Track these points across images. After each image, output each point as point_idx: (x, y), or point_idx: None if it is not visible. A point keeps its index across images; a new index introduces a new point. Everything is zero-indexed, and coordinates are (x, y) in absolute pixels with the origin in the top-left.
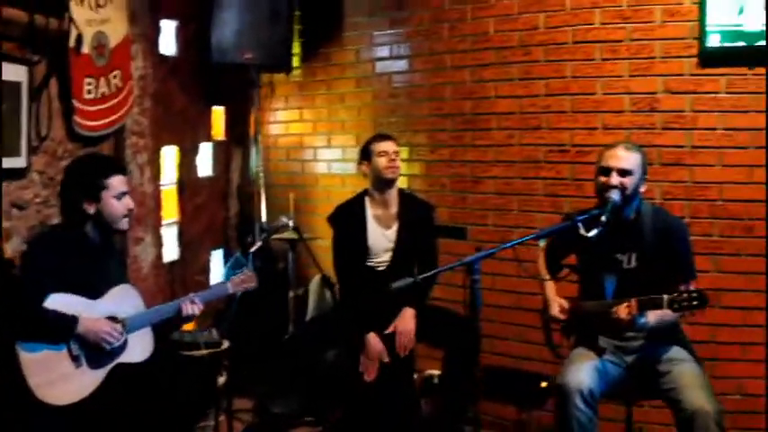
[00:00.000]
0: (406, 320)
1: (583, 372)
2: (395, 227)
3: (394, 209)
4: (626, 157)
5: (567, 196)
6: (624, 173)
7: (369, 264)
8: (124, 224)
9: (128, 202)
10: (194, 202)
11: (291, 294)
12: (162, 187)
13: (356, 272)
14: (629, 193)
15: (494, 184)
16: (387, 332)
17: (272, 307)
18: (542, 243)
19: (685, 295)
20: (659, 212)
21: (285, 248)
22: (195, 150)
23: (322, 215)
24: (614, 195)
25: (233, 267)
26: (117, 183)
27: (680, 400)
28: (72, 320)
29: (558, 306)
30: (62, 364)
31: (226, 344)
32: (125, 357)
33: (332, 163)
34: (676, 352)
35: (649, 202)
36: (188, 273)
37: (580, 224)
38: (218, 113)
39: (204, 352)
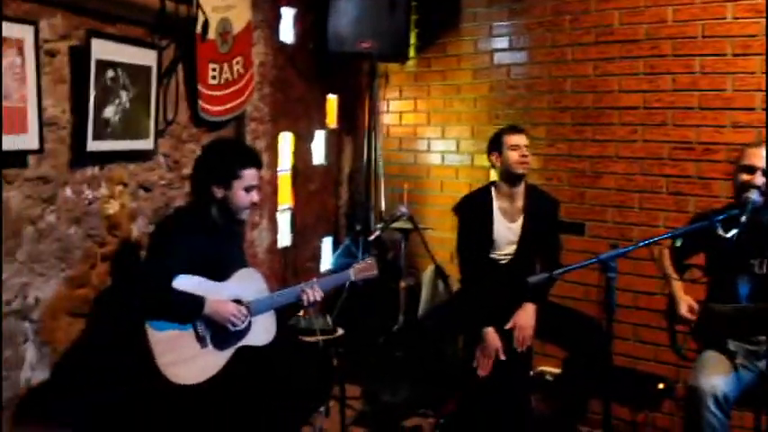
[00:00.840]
0: (527, 315)
1: (717, 376)
2: (520, 220)
3: (520, 202)
4: None
5: (691, 195)
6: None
7: (492, 256)
8: (245, 215)
9: (254, 195)
10: (307, 188)
11: (403, 284)
12: (278, 173)
13: (480, 263)
14: None
15: (614, 180)
16: (506, 327)
17: (381, 297)
18: (678, 242)
19: None
20: None
21: (395, 238)
22: (310, 138)
23: (434, 206)
24: (754, 195)
25: (343, 255)
26: (250, 175)
27: None
28: (200, 301)
29: (686, 306)
30: (188, 344)
31: (340, 331)
32: (249, 340)
33: (446, 154)
34: None
35: None
36: (299, 259)
37: (718, 224)
38: (332, 102)
39: (320, 338)
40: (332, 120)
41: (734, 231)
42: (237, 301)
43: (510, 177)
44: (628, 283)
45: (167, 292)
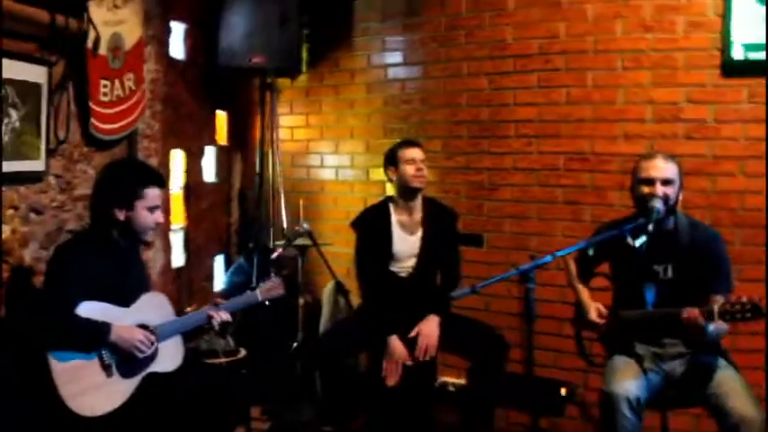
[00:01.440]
0: (431, 325)
1: (628, 380)
2: (419, 233)
3: (418, 215)
4: (667, 168)
5: (587, 204)
6: (667, 182)
7: (392, 269)
8: (150, 236)
9: (158, 215)
10: (199, 206)
11: (301, 301)
12: (170, 192)
13: (380, 277)
14: (671, 203)
15: (511, 192)
16: (411, 335)
17: (279, 314)
18: (591, 251)
19: (738, 306)
20: (696, 224)
21: (290, 255)
22: (201, 155)
23: (328, 221)
24: (658, 204)
25: (236, 273)
26: (152, 195)
27: (724, 407)
28: (105, 328)
29: (595, 311)
30: (94, 374)
31: (243, 352)
32: (156, 366)
33: (339, 169)
34: (714, 359)
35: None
36: (194, 279)
37: (628, 233)
38: (222, 118)
39: (223, 360)
40: (222, 136)
41: (642, 239)
42: (144, 327)
43: (407, 191)
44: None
45: (70, 320)
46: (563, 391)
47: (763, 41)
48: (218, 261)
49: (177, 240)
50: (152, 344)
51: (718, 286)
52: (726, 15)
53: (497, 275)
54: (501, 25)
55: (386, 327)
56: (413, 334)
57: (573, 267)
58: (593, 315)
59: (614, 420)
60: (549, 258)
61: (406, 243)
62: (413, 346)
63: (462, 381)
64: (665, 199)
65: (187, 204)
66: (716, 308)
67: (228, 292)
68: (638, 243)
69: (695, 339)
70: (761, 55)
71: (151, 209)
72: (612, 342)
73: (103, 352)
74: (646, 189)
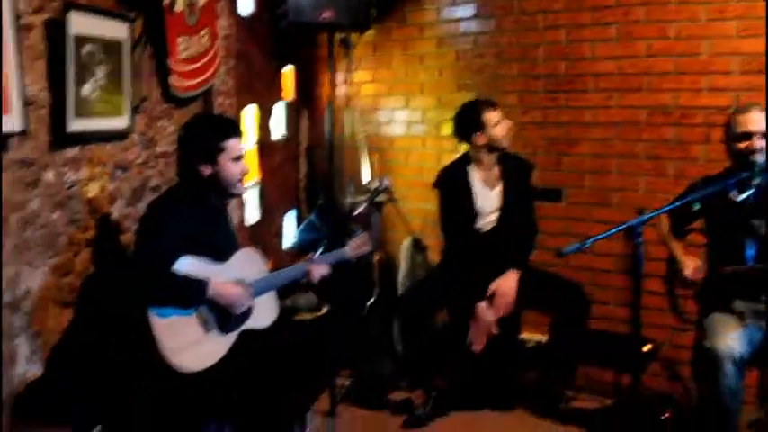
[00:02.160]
0: (509, 282)
1: (731, 337)
2: (499, 187)
3: (497, 169)
4: (764, 120)
5: (670, 159)
6: (765, 135)
7: (476, 226)
8: (240, 188)
9: (243, 165)
10: (271, 163)
11: (376, 258)
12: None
13: (465, 235)
14: None
15: (590, 147)
16: (488, 293)
17: (354, 271)
18: (696, 206)
19: None
20: None
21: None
22: (270, 111)
23: (400, 177)
24: (761, 158)
25: (307, 230)
26: (234, 145)
27: None
28: (203, 284)
29: (693, 267)
30: (192, 329)
31: (325, 308)
32: (252, 323)
33: (411, 124)
34: None
35: None
36: (266, 235)
37: (733, 188)
38: (289, 74)
39: (308, 316)
40: (288, 93)
41: (747, 193)
42: (240, 281)
43: (493, 150)
44: (609, 248)
45: (169, 278)
46: (646, 348)
47: None
48: (289, 218)
49: (253, 196)
50: (250, 299)
51: None
52: None
53: (606, 232)
54: None
55: (473, 290)
56: (490, 291)
57: (666, 223)
58: (689, 272)
59: (717, 377)
60: (654, 213)
61: (487, 199)
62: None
63: (540, 337)
64: (763, 151)
65: (261, 160)
66: None
67: (300, 249)
68: (742, 197)
69: None
70: None
71: (235, 159)
72: (710, 299)
73: (202, 308)
74: (744, 143)
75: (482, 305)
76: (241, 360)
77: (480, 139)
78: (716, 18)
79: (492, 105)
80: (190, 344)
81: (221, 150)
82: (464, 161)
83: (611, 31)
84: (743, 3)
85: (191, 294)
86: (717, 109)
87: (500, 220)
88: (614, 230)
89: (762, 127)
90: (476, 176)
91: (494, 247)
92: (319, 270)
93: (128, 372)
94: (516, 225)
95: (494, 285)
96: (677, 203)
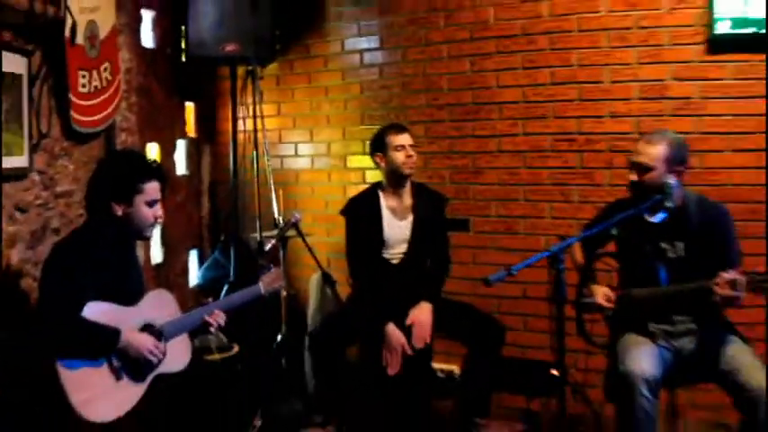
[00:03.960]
0: (424, 312)
1: (645, 359)
2: (410, 218)
3: (408, 200)
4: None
5: (575, 185)
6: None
7: (383, 256)
8: (150, 232)
9: (158, 210)
10: (174, 201)
11: (284, 294)
12: None
13: (372, 264)
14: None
15: (497, 175)
16: (407, 323)
17: (262, 308)
18: (614, 231)
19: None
20: (703, 199)
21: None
22: (173, 148)
23: (306, 211)
24: (672, 180)
25: (211, 268)
26: (152, 189)
27: (739, 381)
28: (114, 335)
29: (603, 295)
30: (103, 379)
31: (236, 347)
32: (165, 367)
33: (315, 158)
34: (724, 334)
35: (693, 190)
36: (171, 274)
37: (646, 211)
38: (190, 109)
39: (218, 356)
40: (191, 128)
41: (661, 215)
42: (150, 326)
43: (396, 177)
44: (517, 275)
45: (78, 328)
46: (554, 372)
47: (749, 16)
48: (193, 256)
49: (155, 236)
50: (162, 349)
51: (731, 261)
52: None
53: (531, 258)
54: (482, 6)
55: (381, 315)
56: (408, 322)
57: (578, 249)
58: (600, 299)
59: (632, 400)
60: (575, 239)
61: (396, 229)
62: (408, 334)
63: (452, 367)
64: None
65: (163, 199)
66: (744, 279)
67: (205, 287)
68: (657, 219)
69: (727, 308)
70: (747, 30)
71: (150, 203)
72: (622, 321)
73: (112, 357)
74: None
75: (391, 326)
76: (155, 406)
77: (380, 161)
78: (616, 46)
79: (400, 129)
80: (101, 394)
81: (139, 192)
82: (375, 190)
83: (516, 59)
84: (642, 31)
85: (101, 345)
86: (619, 135)
87: (409, 251)
88: (537, 257)
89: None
90: (385, 205)
91: (403, 279)
92: (217, 319)
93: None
94: (429, 257)
95: (410, 318)
96: (598, 228)
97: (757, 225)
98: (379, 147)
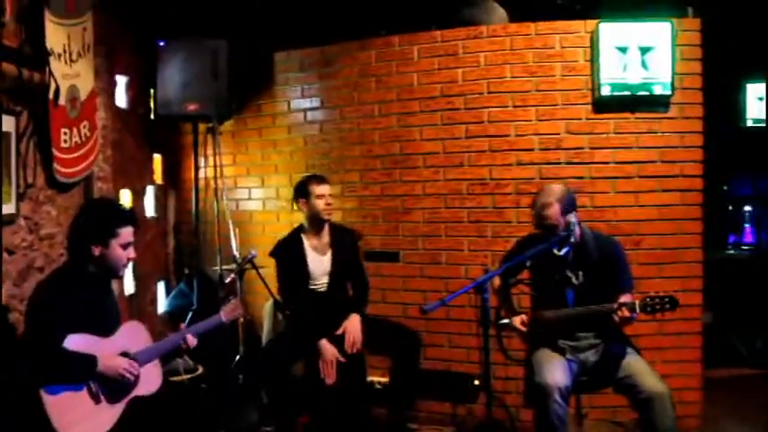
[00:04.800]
0: (354, 321)
1: (558, 371)
2: (329, 253)
3: (326, 238)
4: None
5: (488, 222)
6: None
7: (311, 287)
8: (123, 272)
9: (131, 252)
10: (144, 239)
11: (241, 320)
12: None
13: (301, 294)
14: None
15: (422, 214)
16: (337, 333)
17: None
18: (528, 263)
19: (657, 300)
20: (598, 234)
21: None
22: (143, 193)
23: (258, 247)
24: (575, 219)
25: (177, 297)
26: (126, 233)
27: (636, 385)
28: (92, 360)
29: (519, 320)
30: (83, 403)
31: (200, 368)
32: (139, 390)
33: (266, 201)
34: (622, 347)
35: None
36: (142, 304)
37: (555, 245)
38: (158, 160)
39: (185, 377)
40: (158, 176)
41: (566, 249)
42: (126, 354)
43: (316, 221)
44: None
45: (59, 356)
46: (476, 382)
47: (626, 81)
48: (161, 287)
49: (128, 270)
50: (136, 370)
51: (624, 285)
52: (594, 60)
53: (462, 289)
54: (407, 72)
55: (313, 333)
56: (339, 332)
57: (497, 278)
58: (517, 324)
59: (547, 407)
60: (498, 271)
61: (319, 263)
62: (340, 347)
63: (386, 379)
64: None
65: (135, 237)
66: (637, 303)
67: (172, 314)
68: (563, 252)
69: (621, 327)
70: (624, 93)
71: (124, 246)
72: (536, 338)
73: (91, 381)
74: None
75: (323, 341)
76: (131, 426)
77: (303, 206)
78: (519, 105)
79: (320, 180)
80: (82, 417)
81: (115, 235)
82: (298, 232)
83: (436, 117)
84: (540, 93)
85: (81, 370)
86: (524, 180)
87: (331, 281)
88: (467, 288)
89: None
90: (308, 244)
91: (329, 303)
92: (188, 342)
93: None
94: (349, 283)
95: (342, 327)
96: (516, 261)
97: (638, 253)
98: (302, 194)
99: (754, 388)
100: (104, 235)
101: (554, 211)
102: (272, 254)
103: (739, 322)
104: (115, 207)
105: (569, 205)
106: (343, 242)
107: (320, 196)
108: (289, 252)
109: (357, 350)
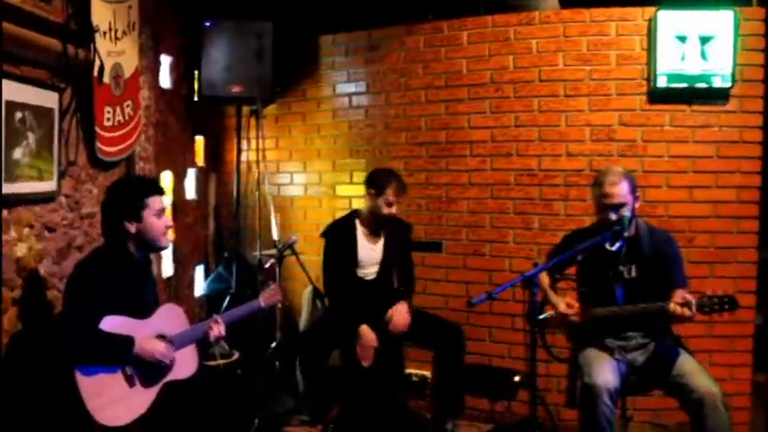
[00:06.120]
0: (401, 308)
1: (608, 371)
2: (381, 243)
3: (381, 228)
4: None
5: (535, 214)
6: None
7: (358, 275)
8: (165, 241)
9: (166, 219)
10: (184, 222)
11: (279, 305)
12: None
13: (346, 281)
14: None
15: (467, 204)
16: (388, 315)
17: (259, 318)
18: (579, 257)
19: (716, 299)
20: (652, 228)
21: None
22: (184, 175)
23: (299, 233)
24: (627, 212)
25: (215, 281)
26: (156, 202)
27: (687, 385)
28: (129, 342)
29: (564, 303)
30: (117, 385)
31: (236, 354)
32: (174, 374)
33: (308, 186)
34: (674, 347)
35: (643, 219)
36: (180, 287)
37: (608, 240)
38: (200, 142)
39: (221, 362)
40: (200, 159)
41: (618, 244)
42: (162, 336)
43: (375, 216)
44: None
45: (96, 337)
46: (516, 378)
47: (683, 72)
48: (199, 270)
49: (167, 253)
50: (173, 353)
51: (679, 281)
52: (650, 49)
53: (509, 282)
54: (456, 58)
55: (355, 320)
56: (389, 315)
57: (544, 273)
58: (562, 307)
59: (596, 409)
60: (549, 264)
61: (370, 252)
62: (380, 337)
63: (424, 372)
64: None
65: (174, 220)
66: (694, 302)
67: (210, 298)
68: (615, 247)
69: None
70: (681, 84)
71: (158, 214)
72: (583, 337)
73: (127, 364)
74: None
75: (363, 326)
76: (164, 410)
77: (370, 198)
78: (571, 95)
79: (400, 189)
80: (116, 399)
81: (144, 207)
82: (352, 217)
83: (485, 104)
84: (593, 82)
85: (118, 352)
86: (573, 171)
87: (380, 271)
88: (515, 281)
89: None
90: (361, 231)
91: (374, 293)
92: (218, 330)
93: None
94: (397, 275)
95: (390, 312)
96: (568, 255)
97: (689, 251)
98: (377, 188)
99: None
100: (134, 209)
101: (623, 188)
102: (324, 234)
103: None
104: (138, 179)
105: (634, 186)
106: (397, 234)
107: (391, 202)
108: (341, 236)
109: (399, 333)
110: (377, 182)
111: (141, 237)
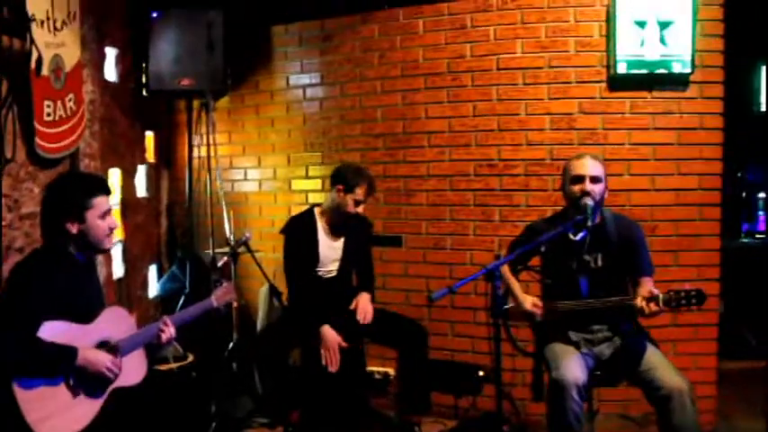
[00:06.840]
0: (365, 298)
1: (576, 366)
2: (342, 240)
3: (342, 224)
4: (595, 166)
5: (496, 205)
6: (595, 179)
7: (318, 272)
8: (108, 243)
9: (111, 220)
10: (134, 221)
11: (235, 305)
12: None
13: (307, 278)
14: (598, 199)
15: (426, 197)
16: (351, 308)
17: (214, 318)
18: (543, 248)
19: (683, 294)
20: (618, 216)
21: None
22: (134, 172)
23: (254, 230)
24: (590, 201)
25: (169, 280)
26: (101, 202)
27: (655, 380)
28: (71, 353)
29: (530, 302)
30: (60, 397)
31: (191, 356)
32: (120, 382)
33: (263, 181)
34: (641, 341)
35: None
36: (132, 288)
37: (570, 230)
38: (150, 138)
39: (174, 365)
40: (150, 155)
41: (582, 234)
42: (106, 342)
43: (339, 213)
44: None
45: (35, 346)
46: (481, 373)
47: (643, 58)
48: (152, 270)
49: (117, 253)
50: (119, 365)
51: (646, 269)
52: (609, 35)
53: (468, 277)
54: (412, 47)
55: (316, 320)
56: (352, 307)
57: (505, 266)
58: (528, 306)
59: (564, 404)
60: (511, 257)
61: (330, 250)
62: (342, 335)
63: (387, 369)
64: (593, 195)
65: (124, 219)
66: (661, 296)
67: (164, 298)
68: (578, 237)
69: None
70: (641, 71)
71: (102, 216)
72: (548, 330)
73: (70, 375)
74: (577, 187)
75: (326, 327)
76: (112, 419)
77: (336, 193)
78: (530, 83)
79: (370, 188)
80: (59, 411)
81: (89, 207)
82: (311, 212)
83: (442, 94)
84: (552, 70)
85: (58, 363)
86: (534, 161)
87: (340, 269)
88: (477, 275)
89: (592, 172)
90: (321, 228)
91: (334, 291)
92: (168, 332)
93: None
94: (356, 273)
95: (354, 302)
96: (531, 245)
97: (652, 240)
98: (347, 183)
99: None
100: (77, 209)
101: (603, 188)
102: (284, 231)
103: (750, 312)
104: (84, 177)
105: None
106: (358, 231)
107: (359, 201)
108: (301, 233)
109: (366, 324)
110: (347, 179)
111: (83, 238)
